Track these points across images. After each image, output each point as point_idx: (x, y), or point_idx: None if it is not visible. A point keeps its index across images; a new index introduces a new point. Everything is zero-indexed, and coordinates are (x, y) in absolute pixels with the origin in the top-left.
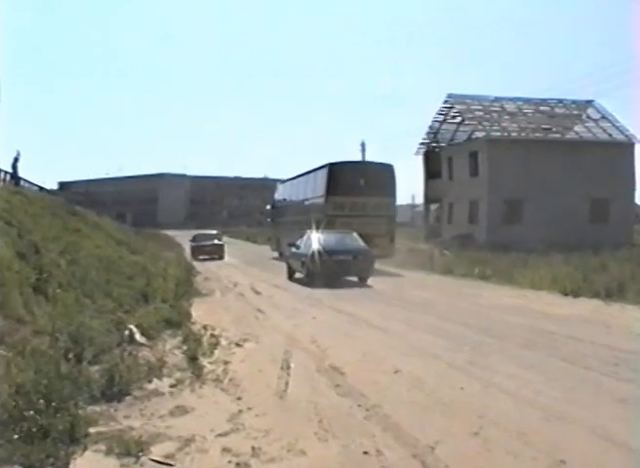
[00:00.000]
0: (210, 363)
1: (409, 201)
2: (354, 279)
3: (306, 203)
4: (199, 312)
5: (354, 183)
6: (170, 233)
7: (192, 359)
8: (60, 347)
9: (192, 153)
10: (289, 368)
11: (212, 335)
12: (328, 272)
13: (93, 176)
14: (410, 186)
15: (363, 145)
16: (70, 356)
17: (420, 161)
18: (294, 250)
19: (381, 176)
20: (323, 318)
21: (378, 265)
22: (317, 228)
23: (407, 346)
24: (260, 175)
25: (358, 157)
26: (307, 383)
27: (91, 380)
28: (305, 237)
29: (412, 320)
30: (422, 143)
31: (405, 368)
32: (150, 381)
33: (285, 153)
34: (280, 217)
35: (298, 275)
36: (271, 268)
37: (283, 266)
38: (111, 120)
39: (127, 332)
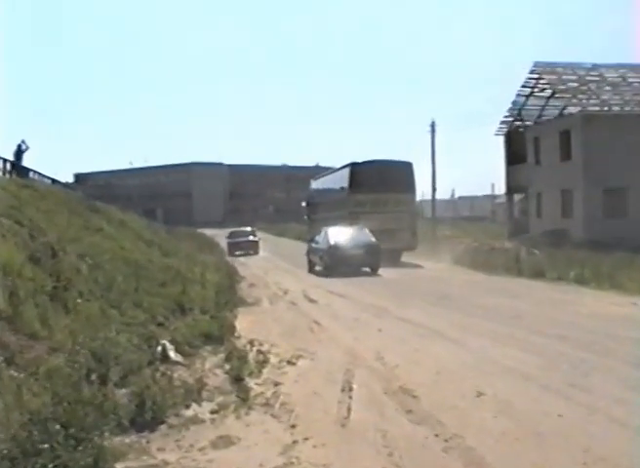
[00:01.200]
0: (258, 384)
1: (487, 191)
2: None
3: (333, 200)
4: (244, 324)
5: (375, 181)
6: (207, 232)
7: (237, 380)
8: (81, 367)
9: (228, 140)
10: (351, 389)
11: (259, 352)
12: (342, 264)
13: (114, 167)
14: (489, 174)
15: (433, 126)
16: (93, 377)
17: (500, 143)
18: (313, 245)
19: (401, 174)
20: (389, 330)
21: (451, 267)
22: (343, 224)
23: (490, 364)
24: (311, 164)
25: (426, 139)
26: (373, 408)
27: (118, 406)
28: (323, 233)
29: (494, 332)
30: (504, 122)
31: (489, 390)
32: (188, 406)
33: (341, 138)
34: (313, 214)
35: (317, 268)
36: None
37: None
38: (134, 104)
39: (159, 349)
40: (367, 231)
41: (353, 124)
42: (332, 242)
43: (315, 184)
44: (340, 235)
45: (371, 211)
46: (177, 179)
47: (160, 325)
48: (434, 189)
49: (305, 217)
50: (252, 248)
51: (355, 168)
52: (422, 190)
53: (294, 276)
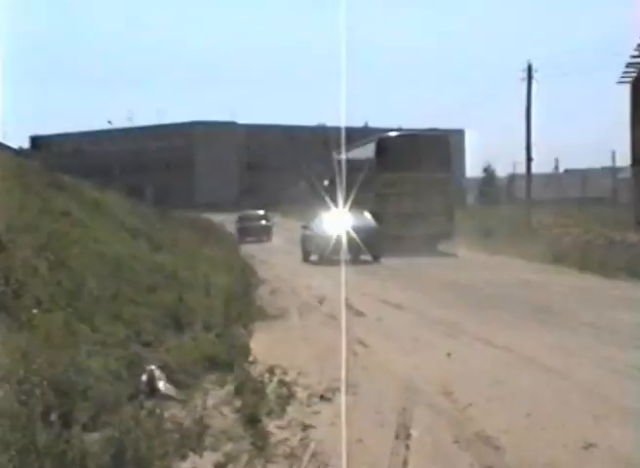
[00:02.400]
0: (279, 427)
1: (605, 162)
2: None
3: (359, 180)
4: (262, 345)
5: (406, 157)
6: (215, 218)
7: (251, 421)
8: (36, 403)
9: (244, 92)
10: (408, 437)
11: (282, 383)
12: (339, 252)
13: (86, 128)
14: (607, 139)
15: (529, 69)
16: (53, 417)
17: (625, 95)
18: (307, 232)
19: (436, 149)
20: (463, 355)
21: (551, 268)
22: (369, 207)
23: (602, 403)
24: (359, 124)
25: (521, 89)
26: (440, 464)
27: (87, 456)
28: (317, 218)
29: (612, 359)
30: (631, 65)
31: (603, 440)
32: (184, 457)
33: (399, 92)
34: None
35: (312, 258)
36: (374, 271)
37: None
38: (113, 43)
39: (145, 378)
40: (366, 215)
41: (415, 72)
42: (327, 228)
43: (338, 161)
44: (336, 220)
45: (400, 192)
46: (173, 145)
47: (147, 345)
48: (529, 159)
49: (327, 200)
50: (264, 233)
51: (383, 142)
52: (514, 161)
53: (332, 279)
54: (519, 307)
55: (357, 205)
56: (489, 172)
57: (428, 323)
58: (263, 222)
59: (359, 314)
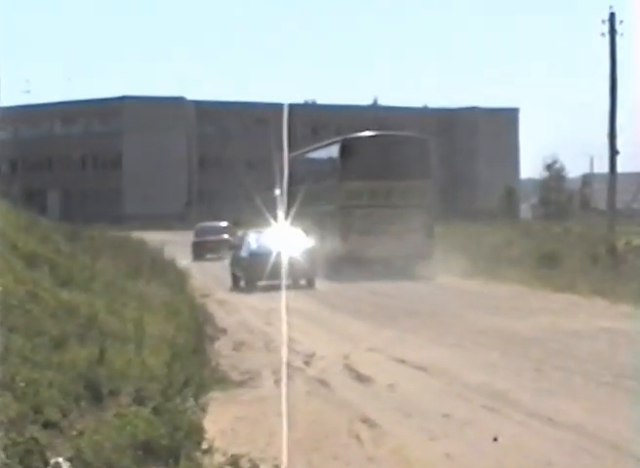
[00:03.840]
0: None
1: None
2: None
3: (318, 189)
4: (222, 425)
5: (376, 163)
6: (152, 237)
7: None
8: None
9: (197, 65)
10: None
11: None
12: (266, 276)
13: None
14: None
15: (612, 20)
16: None
17: None
18: (236, 253)
19: (413, 152)
20: (515, 440)
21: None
22: (330, 222)
23: None
24: (366, 102)
25: (601, 48)
26: None
27: None
28: (245, 238)
29: None
30: None
31: None
32: None
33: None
34: (294, 209)
35: (242, 283)
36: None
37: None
38: None
39: None
40: (301, 232)
41: (449, 34)
42: (253, 248)
43: (299, 163)
44: (265, 239)
45: (369, 204)
46: (93, 131)
47: (51, 426)
48: (614, 152)
49: (279, 213)
50: (224, 248)
51: (349, 143)
52: (591, 155)
53: (323, 326)
54: (597, 371)
55: (316, 220)
56: (554, 170)
57: (464, 392)
58: (225, 236)
59: (363, 380)
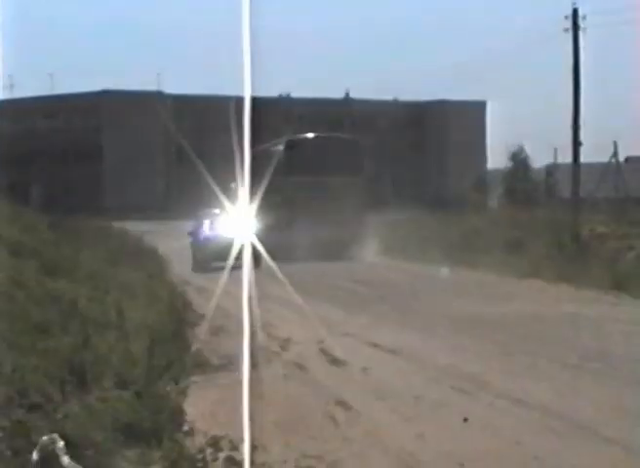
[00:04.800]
0: None
1: None
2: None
3: (268, 183)
4: (202, 407)
5: (314, 160)
6: (134, 227)
7: None
8: None
9: (175, 58)
10: None
11: (231, 461)
12: (213, 257)
13: None
14: None
15: (574, 16)
16: None
17: None
18: (191, 238)
19: (346, 152)
20: (484, 420)
21: (605, 298)
22: (277, 211)
23: None
24: (337, 95)
25: (564, 44)
26: None
27: None
28: (199, 223)
29: None
30: None
31: None
32: None
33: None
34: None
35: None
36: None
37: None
38: None
39: (35, 456)
40: (251, 219)
41: (418, 27)
42: (206, 233)
43: (254, 159)
44: (215, 225)
45: (309, 196)
46: (73, 125)
47: (36, 408)
48: (577, 144)
49: (236, 203)
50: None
51: (291, 143)
52: (555, 145)
53: (299, 313)
54: (565, 352)
55: (266, 209)
56: (520, 160)
57: (436, 375)
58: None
59: (337, 363)
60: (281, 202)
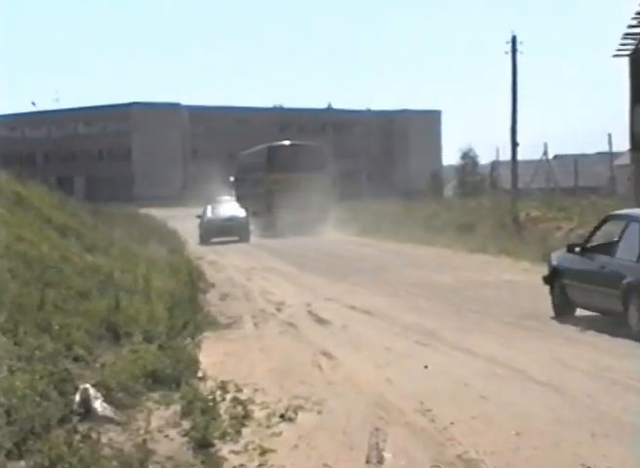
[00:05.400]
0: (234, 452)
1: (601, 148)
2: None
3: (254, 178)
4: (213, 358)
5: (289, 162)
6: (157, 213)
7: (202, 445)
8: None
9: (191, 73)
10: (381, 461)
11: (237, 401)
12: (215, 235)
13: (4, 111)
14: (603, 121)
15: (514, 42)
16: None
17: (623, 71)
18: (199, 219)
19: (313, 155)
20: (440, 366)
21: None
22: (260, 201)
23: (605, 420)
24: (321, 105)
25: (505, 64)
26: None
27: None
28: (204, 208)
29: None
30: (629, 36)
31: (602, 463)
32: None
33: (366, 69)
34: (240, 191)
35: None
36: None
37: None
38: (39, 20)
39: (78, 398)
40: (238, 206)
41: (387, 45)
42: (208, 215)
43: (242, 160)
44: (216, 210)
45: (285, 189)
46: (108, 130)
47: (79, 359)
48: (515, 144)
49: (233, 193)
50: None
51: (272, 149)
52: (497, 146)
53: (291, 281)
54: (505, 312)
55: (252, 199)
56: (469, 158)
57: (401, 330)
58: (236, 214)
59: (322, 322)
60: (263, 193)
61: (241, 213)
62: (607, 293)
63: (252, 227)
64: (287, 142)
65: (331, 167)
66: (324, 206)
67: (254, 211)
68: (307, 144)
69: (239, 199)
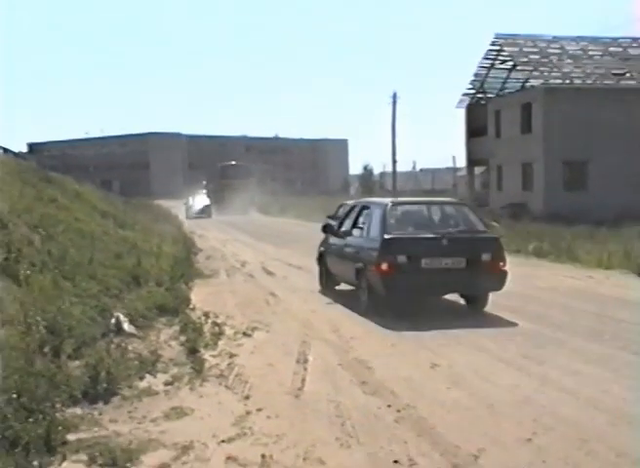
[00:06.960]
0: (213, 356)
1: (449, 164)
2: None
3: (215, 182)
4: (200, 296)
5: (230, 173)
6: (164, 203)
7: (192, 351)
8: (33, 339)
9: (187, 111)
10: (306, 361)
11: (215, 324)
12: (192, 213)
13: (69, 137)
14: (450, 146)
15: (394, 97)
16: (46, 349)
17: (462, 116)
18: (184, 205)
19: (244, 170)
20: (348, 302)
21: None
22: (215, 197)
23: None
24: (271, 135)
25: (387, 110)
26: (328, 380)
27: (71, 378)
28: (189, 199)
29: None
30: (466, 95)
31: (443, 360)
32: (142, 378)
33: (302, 109)
34: (208, 188)
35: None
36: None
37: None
38: (89, 73)
39: (113, 321)
40: (207, 197)
41: (315, 95)
42: (190, 203)
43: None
44: (195, 200)
45: (230, 188)
46: (134, 150)
47: (114, 297)
48: (394, 161)
49: (206, 192)
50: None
51: (222, 166)
52: (384, 162)
53: (252, 248)
54: None
55: (213, 194)
56: (367, 170)
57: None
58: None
59: (270, 274)
60: (218, 190)
61: (207, 201)
62: (349, 268)
63: (212, 209)
64: (232, 162)
65: (255, 176)
66: (251, 198)
67: (214, 200)
68: (242, 164)
69: (207, 193)
